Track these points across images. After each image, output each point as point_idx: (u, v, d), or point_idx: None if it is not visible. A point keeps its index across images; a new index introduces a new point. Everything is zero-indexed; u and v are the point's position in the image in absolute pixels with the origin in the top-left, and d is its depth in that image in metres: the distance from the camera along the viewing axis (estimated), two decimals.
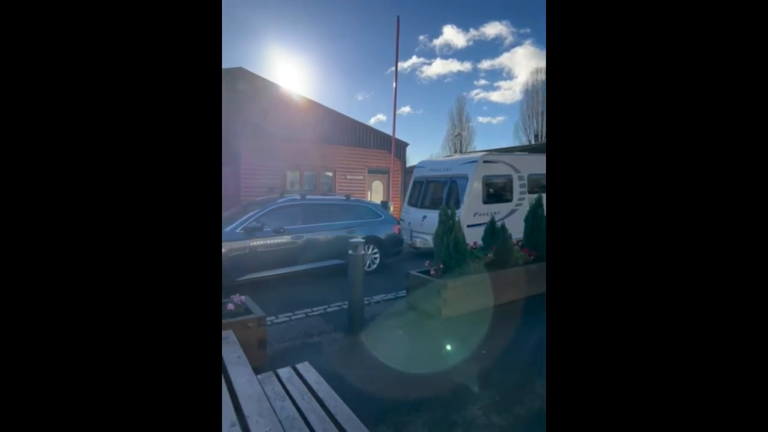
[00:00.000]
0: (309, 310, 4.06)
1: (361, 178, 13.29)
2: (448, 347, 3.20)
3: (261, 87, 11.19)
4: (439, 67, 42.63)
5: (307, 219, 5.24)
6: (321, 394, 1.82)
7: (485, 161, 7.09)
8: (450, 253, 3.92)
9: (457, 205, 6.70)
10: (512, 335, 3.40)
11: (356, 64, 49.59)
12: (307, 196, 5.47)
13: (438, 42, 42.45)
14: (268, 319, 3.49)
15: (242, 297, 2.88)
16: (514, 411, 2.23)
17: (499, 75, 45.31)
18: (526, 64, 38.43)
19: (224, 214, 5.39)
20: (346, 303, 3.88)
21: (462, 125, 29.24)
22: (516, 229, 5.09)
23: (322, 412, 1.68)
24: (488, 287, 4.10)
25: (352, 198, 6.01)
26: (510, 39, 39.29)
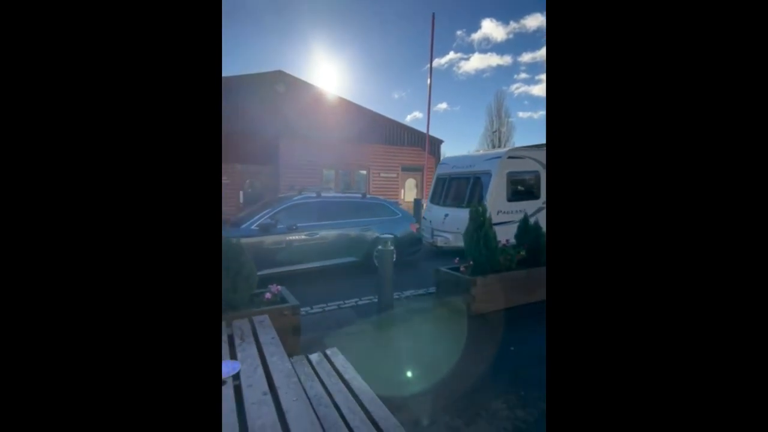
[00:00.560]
0: (339, 302, 4.22)
1: (395, 175, 13.39)
2: (475, 342, 3.22)
3: (299, 88, 11.61)
4: (477, 61, 41.86)
5: (322, 216, 5.25)
6: (347, 377, 1.95)
7: (510, 157, 6.72)
8: (480, 250, 3.93)
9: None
10: (542, 333, 3.36)
11: (393, 63, 49.93)
12: (323, 194, 5.49)
13: (476, 36, 41.78)
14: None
15: (279, 287, 3.07)
16: (539, 406, 2.26)
17: (540, 68, 43.40)
18: None
19: (244, 212, 5.55)
20: (376, 297, 4.00)
21: (501, 121, 28.32)
22: (544, 227, 4.96)
23: (347, 392, 1.81)
24: (520, 285, 4.07)
25: (368, 196, 5.99)
26: None
